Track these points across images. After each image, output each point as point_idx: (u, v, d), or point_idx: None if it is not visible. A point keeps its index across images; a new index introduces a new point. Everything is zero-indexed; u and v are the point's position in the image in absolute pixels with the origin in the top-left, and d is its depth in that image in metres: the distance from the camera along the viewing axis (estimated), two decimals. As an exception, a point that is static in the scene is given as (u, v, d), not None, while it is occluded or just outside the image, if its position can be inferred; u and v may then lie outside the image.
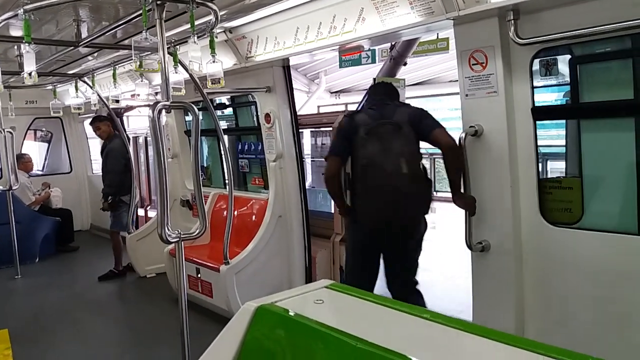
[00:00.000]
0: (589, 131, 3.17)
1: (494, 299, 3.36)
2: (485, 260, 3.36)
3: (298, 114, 5.43)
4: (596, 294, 2.95)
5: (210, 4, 3.26)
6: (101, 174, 6.99)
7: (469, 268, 3.54)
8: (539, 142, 3.17)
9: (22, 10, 3.08)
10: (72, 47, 4.73)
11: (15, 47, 5.28)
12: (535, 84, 3.13)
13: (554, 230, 3.11)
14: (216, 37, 3.56)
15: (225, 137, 5.02)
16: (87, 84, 6.29)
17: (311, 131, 6.54)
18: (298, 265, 5.29)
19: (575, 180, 3.16)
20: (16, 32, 4.35)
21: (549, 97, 3.39)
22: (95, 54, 5.75)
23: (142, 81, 5.01)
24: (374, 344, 1.67)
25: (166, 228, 3.07)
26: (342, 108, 15.58)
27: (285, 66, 5.07)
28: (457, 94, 3.51)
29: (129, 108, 7.70)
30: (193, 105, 3.24)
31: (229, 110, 6.78)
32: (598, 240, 2.93)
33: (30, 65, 3.37)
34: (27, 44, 3.24)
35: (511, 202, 3.19)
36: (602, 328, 2.93)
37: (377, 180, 3.40)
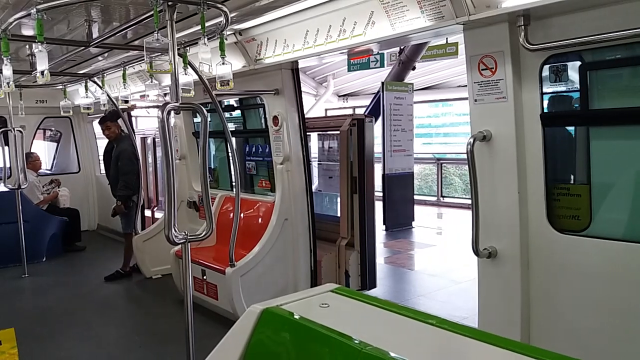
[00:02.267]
0: (598, 138, 3.15)
1: (500, 305, 3.34)
2: (491, 266, 3.34)
3: (306, 117, 5.43)
4: (603, 303, 2.92)
5: (220, 6, 3.27)
6: (109, 175, 6.98)
7: (475, 274, 3.52)
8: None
9: (34, 9, 3.10)
10: (83, 47, 4.76)
11: (27, 46, 5.32)
12: (544, 90, 3.12)
13: (561, 238, 3.09)
14: (226, 39, 3.57)
15: (233, 140, 5.03)
16: (97, 84, 6.33)
17: (318, 134, 6.54)
18: (303, 268, 5.28)
19: (584, 188, 3.14)
20: (28, 31, 4.38)
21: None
22: (106, 55, 5.79)
23: (152, 82, 5.03)
24: (380, 348, 1.66)
25: (173, 229, 3.07)
26: (350, 112, 15.61)
27: (294, 69, 5.08)
28: (466, 99, 3.50)
29: (133, 107, 7.70)
30: (202, 107, 3.25)
31: (237, 113, 6.79)
32: (606, 249, 2.91)
33: (42, 65, 3.39)
34: (39, 43, 3.26)
35: (518, 209, 3.17)
36: (609, 337, 2.90)
37: None
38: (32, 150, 8.91)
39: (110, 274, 6.71)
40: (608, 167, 3.12)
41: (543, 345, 2.68)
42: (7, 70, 3.82)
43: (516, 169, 3.16)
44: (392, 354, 1.64)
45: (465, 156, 3.28)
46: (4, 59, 3.67)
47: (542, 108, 3.11)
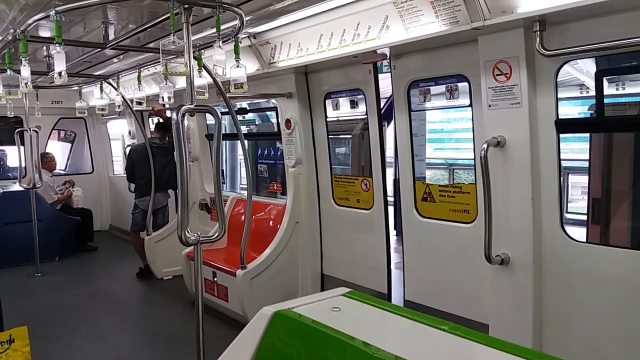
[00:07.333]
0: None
1: (512, 312, 3.31)
2: (504, 273, 3.32)
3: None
4: (616, 311, 2.89)
5: (236, 9, 3.28)
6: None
7: (486, 281, 3.49)
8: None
9: (53, 11, 3.14)
10: (99, 49, 4.81)
11: (44, 47, 5.38)
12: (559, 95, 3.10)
13: (574, 245, 3.07)
14: (240, 42, 3.58)
15: (246, 142, 5.04)
16: (112, 86, 6.38)
17: (330, 138, 6.53)
18: (314, 272, 5.28)
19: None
20: (45, 33, 4.43)
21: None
22: (121, 56, 5.83)
23: (166, 84, 5.06)
24: (391, 353, 1.66)
25: (186, 230, 3.09)
26: (362, 116, 15.56)
27: (307, 72, 5.09)
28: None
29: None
30: (216, 110, 3.27)
31: (250, 116, 6.82)
32: (619, 257, 2.88)
33: (60, 66, 3.42)
34: (57, 45, 3.30)
35: (532, 215, 3.15)
36: (622, 346, 2.87)
37: None
38: (47, 151, 9.00)
39: (137, 272, 6.84)
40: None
41: (555, 353, 2.66)
42: (26, 71, 3.86)
43: (530, 175, 3.13)
44: (405, 359, 1.63)
45: (477, 162, 3.26)
46: (23, 59, 3.71)
47: (557, 114, 3.09)
